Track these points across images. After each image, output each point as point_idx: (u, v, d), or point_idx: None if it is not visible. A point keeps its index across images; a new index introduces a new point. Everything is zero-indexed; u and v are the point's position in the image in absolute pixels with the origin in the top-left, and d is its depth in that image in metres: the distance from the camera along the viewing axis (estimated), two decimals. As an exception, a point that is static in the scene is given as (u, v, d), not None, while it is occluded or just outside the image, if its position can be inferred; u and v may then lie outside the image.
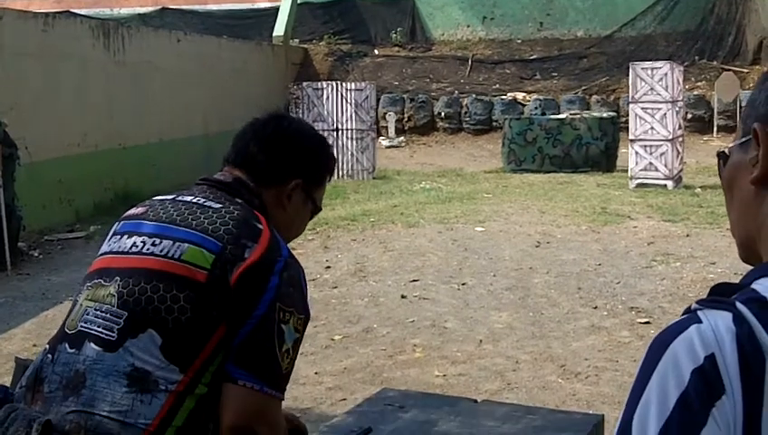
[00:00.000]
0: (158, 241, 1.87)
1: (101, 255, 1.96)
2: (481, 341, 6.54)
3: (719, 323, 0.99)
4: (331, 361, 6.16)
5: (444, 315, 7.26)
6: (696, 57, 22.23)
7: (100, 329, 1.80)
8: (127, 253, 1.88)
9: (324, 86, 17.55)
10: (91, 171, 13.16)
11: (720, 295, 1.03)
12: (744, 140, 1.13)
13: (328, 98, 17.11)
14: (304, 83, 18.07)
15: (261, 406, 1.77)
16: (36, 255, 10.53)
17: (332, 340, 6.69)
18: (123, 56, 14.71)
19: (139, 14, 24.46)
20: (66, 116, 12.79)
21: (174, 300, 1.78)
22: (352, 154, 16.93)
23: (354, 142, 16.95)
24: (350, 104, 17.03)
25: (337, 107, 17.09)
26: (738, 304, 1.00)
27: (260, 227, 1.89)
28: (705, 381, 0.96)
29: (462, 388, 5.43)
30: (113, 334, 1.78)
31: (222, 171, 2.07)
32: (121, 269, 1.86)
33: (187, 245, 1.84)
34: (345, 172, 16.79)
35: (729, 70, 20.51)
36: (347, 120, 17.04)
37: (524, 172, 17.01)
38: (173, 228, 1.88)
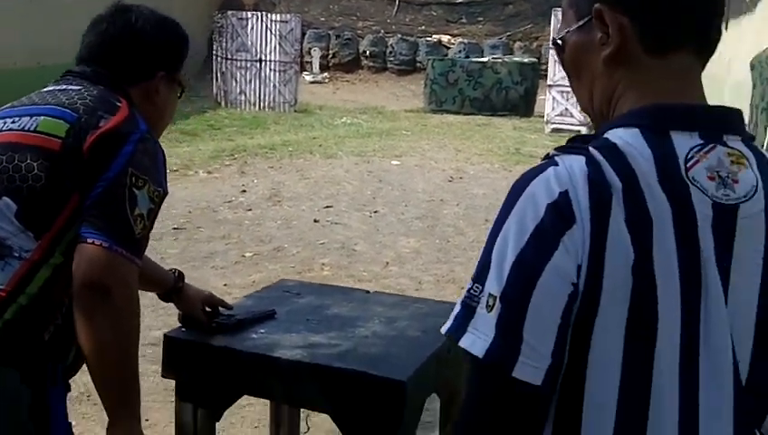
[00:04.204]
0: (17, 119, 1.90)
1: None
2: (388, 263, 6.75)
3: (574, 165, 1.13)
4: (241, 275, 6.31)
5: (354, 239, 7.45)
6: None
7: None
8: None
9: (249, 16, 17.40)
10: None
11: (576, 144, 1.19)
12: (582, 22, 1.24)
13: (252, 28, 16.99)
14: (229, 12, 17.88)
15: (112, 263, 1.75)
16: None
17: (243, 256, 6.83)
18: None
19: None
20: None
21: (28, 169, 1.81)
22: (275, 86, 16.90)
23: (277, 74, 16.91)
24: (275, 36, 16.94)
25: (261, 38, 16.99)
26: (591, 149, 1.15)
27: (118, 104, 1.92)
28: (559, 213, 1.10)
29: (366, 303, 5.63)
30: None
31: (80, 66, 2.06)
32: None
33: (42, 117, 1.88)
34: (267, 104, 16.78)
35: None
36: (270, 52, 16.96)
37: (445, 113, 17.22)
38: (32, 107, 1.93)
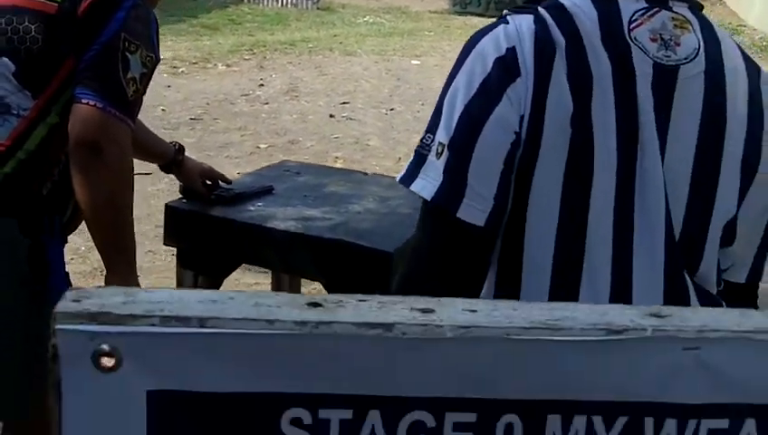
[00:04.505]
0: None
1: None
2: (400, 158, 6.82)
3: (522, 23, 1.22)
4: (254, 165, 6.39)
5: (368, 135, 7.52)
6: None
7: None
8: None
9: None
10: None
11: (528, 5, 1.27)
12: None
13: None
14: None
15: (105, 123, 1.84)
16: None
17: (258, 148, 6.93)
18: None
19: None
20: None
21: (26, 31, 1.88)
22: (298, -18, 16.74)
23: (300, -29, 16.73)
24: (299, -69, 16.71)
25: (285, -67, 16.76)
26: (540, 9, 1.23)
27: None
28: (505, 67, 1.19)
29: (375, 195, 5.75)
30: None
31: None
32: None
33: None
34: (289, 0, 16.64)
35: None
36: (294, -52, 16.75)
37: (469, 15, 17.02)
38: None
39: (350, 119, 8.05)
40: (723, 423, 0.61)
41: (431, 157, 1.20)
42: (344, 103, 8.63)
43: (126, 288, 0.57)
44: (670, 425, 0.61)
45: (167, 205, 2.65)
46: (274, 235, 2.46)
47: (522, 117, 1.17)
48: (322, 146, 7.07)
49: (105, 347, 0.55)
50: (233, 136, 7.22)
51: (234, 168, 6.25)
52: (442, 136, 1.20)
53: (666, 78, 1.20)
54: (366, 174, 3.21)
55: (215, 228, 2.58)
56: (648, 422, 0.61)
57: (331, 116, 8.08)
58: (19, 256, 1.88)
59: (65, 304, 0.55)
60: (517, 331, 0.57)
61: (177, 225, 2.63)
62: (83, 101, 1.84)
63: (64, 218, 1.99)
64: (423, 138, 1.23)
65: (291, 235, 2.44)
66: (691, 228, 1.23)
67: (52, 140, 1.90)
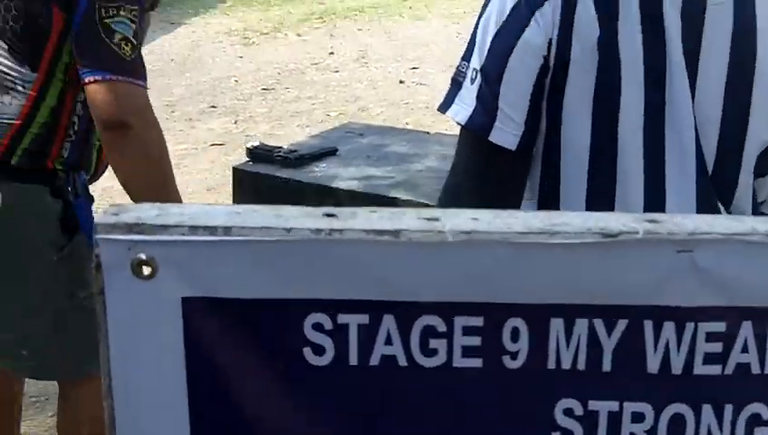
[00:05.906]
0: None
1: None
2: (469, 121, 6.84)
3: None
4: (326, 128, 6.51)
5: (438, 99, 7.22)
6: None
7: None
8: None
9: None
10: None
11: None
12: None
13: None
14: None
15: (115, 94, 1.81)
16: None
17: (328, 115, 7.01)
18: None
19: None
20: None
21: (6, 9, 1.89)
22: (367, -50, 16.72)
23: (369, -62, 16.70)
24: None
25: None
26: None
27: None
28: None
29: (444, 158, 5.77)
30: None
31: None
32: None
33: None
34: (359, -31, 16.65)
35: None
36: None
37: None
38: None
39: (420, 84, 8.06)
40: (720, 326, 0.64)
41: (466, 83, 1.26)
42: (414, 69, 8.64)
43: (159, 204, 0.63)
44: (669, 328, 0.64)
45: (234, 167, 2.74)
46: (338, 194, 2.53)
47: (550, 40, 1.20)
48: (392, 111, 7.11)
49: (142, 256, 0.61)
50: (303, 105, 7.31)
51: (304, 129, 6.35)
52: (475, 62, 1.25)
53: (694, 3, 1.21)
54: (428, 133, 3.25)
55: (280, 189, 2.66)
56: (648, 325, 0.64)
57: (401, 82, 8.11)
58: (51, 220, 1.95)
59: (104, 217, 0.61)
60: (515, 235, 0.61)
61: (244, 186, 2.71)
62: (86, 79, 1.83)
63: (89, 175, 2.05)
64: (459, 65, 1.28)
65: (353, 193, 2.51)
66: (724, 158, 1.24)
67: (62, 105, 1.94)
